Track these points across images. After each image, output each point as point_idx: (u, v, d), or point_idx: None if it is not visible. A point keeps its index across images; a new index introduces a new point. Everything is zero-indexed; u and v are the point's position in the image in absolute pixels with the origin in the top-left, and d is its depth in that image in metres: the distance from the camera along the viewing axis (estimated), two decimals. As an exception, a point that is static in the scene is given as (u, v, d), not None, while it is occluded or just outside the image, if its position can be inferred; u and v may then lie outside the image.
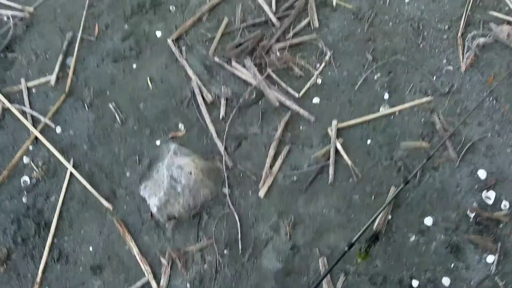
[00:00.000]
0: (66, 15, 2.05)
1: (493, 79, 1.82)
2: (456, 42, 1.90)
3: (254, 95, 1.89)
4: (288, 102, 1.85)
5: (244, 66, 1.93)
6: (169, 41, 1.97)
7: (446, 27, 1.94)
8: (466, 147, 1.70)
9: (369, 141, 1.77)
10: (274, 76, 1.90)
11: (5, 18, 2.05)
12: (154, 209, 1.67)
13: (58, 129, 1.84)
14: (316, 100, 1.87)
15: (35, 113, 1.85)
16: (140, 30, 2.02)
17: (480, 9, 1.97)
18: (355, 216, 1.66)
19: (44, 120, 1.83)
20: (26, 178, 1.78)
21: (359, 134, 1.79)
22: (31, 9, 2.07)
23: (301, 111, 1.83)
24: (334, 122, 1.79)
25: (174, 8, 2.05)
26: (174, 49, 1.96)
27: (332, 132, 1.77)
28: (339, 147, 1.75)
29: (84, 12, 2.04)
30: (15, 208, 1.77)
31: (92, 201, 1.74)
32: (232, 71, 1.92)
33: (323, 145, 1.78)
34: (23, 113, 1.86)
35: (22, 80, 1.92)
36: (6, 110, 1.87)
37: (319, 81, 1.90)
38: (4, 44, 1.98)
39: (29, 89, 1.91)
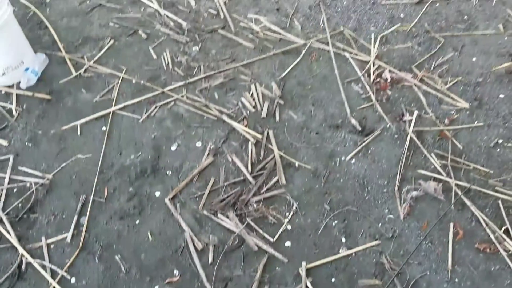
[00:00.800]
0: (80, 181, 2.31)
1: (427, 226, 2.14)
2: (394, 195, 2.25)
3: (237, 241, 2.13)
4: (265, 246, 2.10)
5: (227, 217, 2.21)
6: (166, 200, 2.25)
7: (385, 182, 2.30)
8: (411, 284, 1.94)
9: (333, 279, 2.01)
10: (252, 224, 2.17)
11: (28, 185, 2.29)
12: None
13: (73, 280, 2.01)
14: (288, 243, 2.13)
15: (53, 267, 2.03)
16: (142, 191, 2.28)
17: (411, 167, 2.33)
18: None
19: (61, 272, 2.02)
20: (44, 324, 1.91)
21: (324, 273, 2.03)
22: (50, 176, 2.31)
23: (276, 254, 2.08)
24: (304, 263, 2.05)
25: (170, 172, 2.35)
26: (170, 206, 2.24)
27: (302, 272, 2.02)
28: (309, 285, 1.99)
29: (96, 178, 2.31)
30: None
31: None
32: (218, 222, 2.19)
33: (296, 283, 1.99)
34: (43, 267, 2.03)
35: (43, 238, 2.12)
36: (28, 264, 2.04)
37: (289, 227, 2.18)
38: (27, 207, 2.21)
39: (48, 245, 2.09)
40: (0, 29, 2.47)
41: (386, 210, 2.17)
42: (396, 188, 2.24)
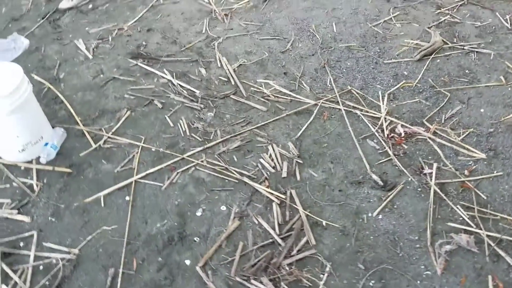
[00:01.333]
0: (107, 253, 2.23)
1: (465, 280, 2.07)
2: (428, 250, 2.19)
3: (274, 309, 2.04)
4: (302, 312, 2.01)
5: (261, 282, 2.12)
6: (197, 268, 2.17)
7: (416, 237, 2.25)
8: None
9: None
10: (287, 289, 2.10)
11: (54, 261, 2.20)
12: None
13: None
14: (325, 307, 2.04)
15: None
16: (171, 260, 2.20)
17: (440, 221, 2.29)
18: None
19: None
20: None
21: (368, 337, 1.93)
22: (76, 250, 2.23)
23: (315, 319, 1.99)
24: (345, 328, 1.95)
25: (198, 239, 2.29)
26: (202, 274, 2.15)
27: (345, 337, 1.92)
28: None
29: (123, 250, 2.23)
30: None
31: None
32: (252, 288, 2.11)
33: None
34: None
35: (73, 317, 2.01)
36: None
37: (325, 290, 2.10)
38: (55, 285, 2.11)
39: (79, 326, 1.99)
40: (21, 108, 2.47)
41: (422, 266, 2.11)
42: (429, 243, 2.18)
